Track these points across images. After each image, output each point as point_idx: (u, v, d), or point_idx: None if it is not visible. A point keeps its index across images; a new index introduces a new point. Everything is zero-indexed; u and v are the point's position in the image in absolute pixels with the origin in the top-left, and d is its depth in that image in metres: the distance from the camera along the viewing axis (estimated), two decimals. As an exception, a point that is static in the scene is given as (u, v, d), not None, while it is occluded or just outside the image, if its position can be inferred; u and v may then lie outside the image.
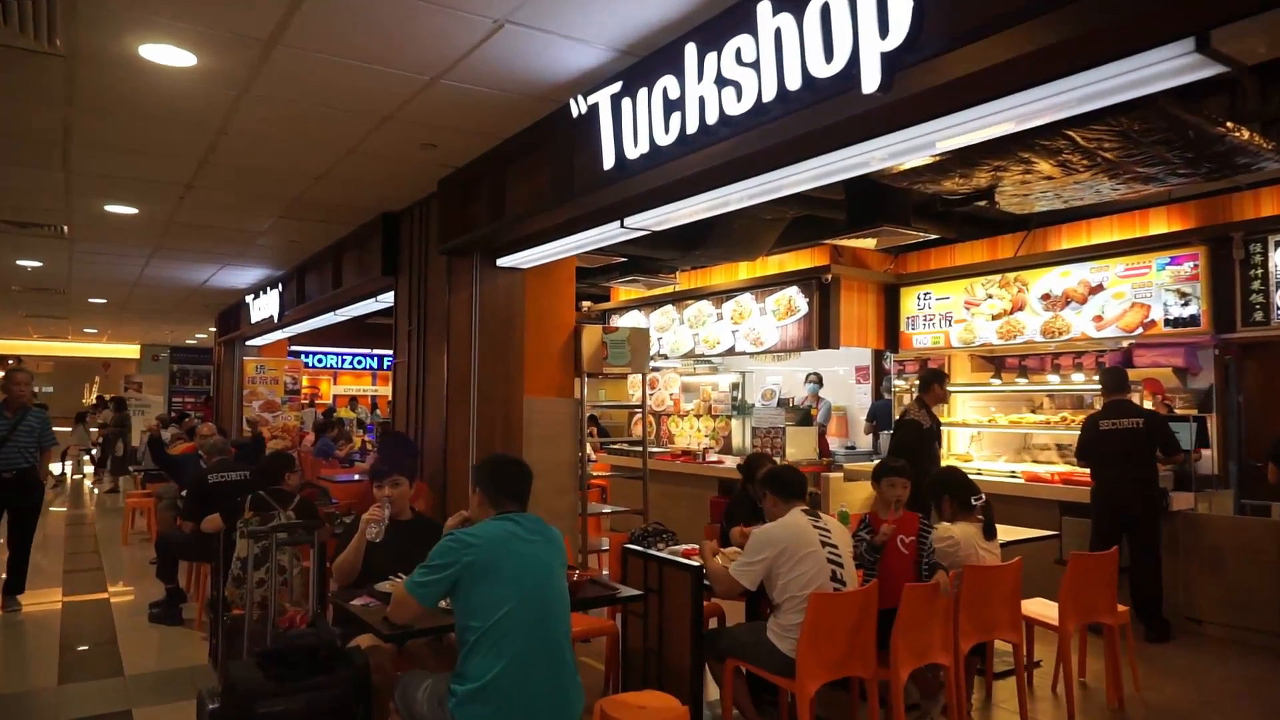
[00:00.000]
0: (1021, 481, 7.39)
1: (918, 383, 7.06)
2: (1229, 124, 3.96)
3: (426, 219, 6.40)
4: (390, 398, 7.89)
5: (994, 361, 9.06)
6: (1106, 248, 6.98)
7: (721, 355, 9.62)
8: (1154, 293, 6.63)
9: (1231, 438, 7.03)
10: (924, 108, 3.01)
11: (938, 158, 4.55)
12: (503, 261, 5.61)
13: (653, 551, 4.37)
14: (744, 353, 9.32)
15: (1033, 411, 8.55)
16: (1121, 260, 6.86)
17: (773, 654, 3.69)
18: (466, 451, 5.73)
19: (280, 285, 11.30)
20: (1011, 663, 4.71)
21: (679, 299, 10.07)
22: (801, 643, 3.56)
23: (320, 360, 19.69)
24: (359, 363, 20.34)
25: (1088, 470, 6.54)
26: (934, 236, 6.82)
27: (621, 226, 4.45)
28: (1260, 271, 6.06)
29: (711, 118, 3.37)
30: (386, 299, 7.75)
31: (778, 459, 8.31)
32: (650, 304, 10.65)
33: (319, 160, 5.96)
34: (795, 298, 8.61)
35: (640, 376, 7.00)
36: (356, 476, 8.12)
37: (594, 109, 4.03)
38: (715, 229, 7.77)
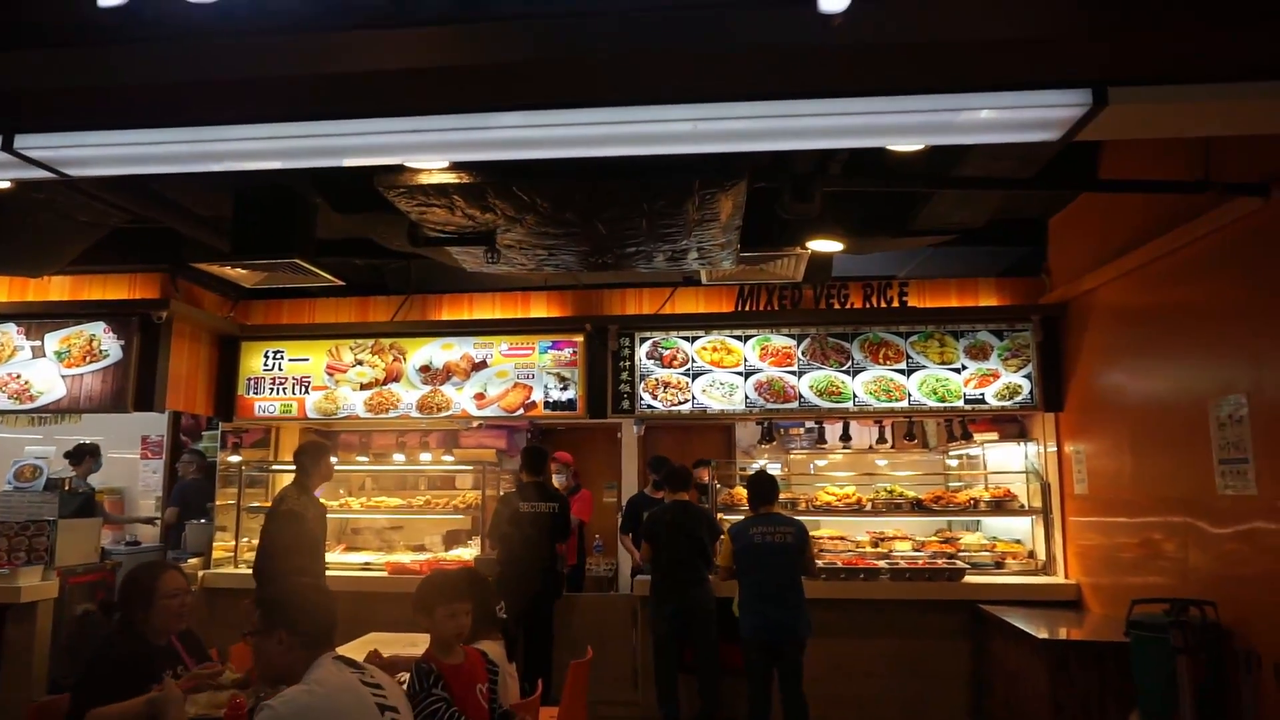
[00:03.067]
0: (385, 575, 6.56)
1: (294, 460, 5.66)
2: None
3: None
4: None
5: (328, 437, 8.06)
6: (492, 325, 6.84)
7: (-54, 411, 6.32)
8: (537, 374, 6.70)
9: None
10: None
11: (470, 177, 3.65)
12: None
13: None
14: (-5, 410, 6.30)
15: (350, 494, 7.84)
16: (506, 339, 6.78)
17: None
18: None
19: None
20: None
21: None
22: None
23: None
24: None
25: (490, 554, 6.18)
26: (339, 283, 5.65)
27: (7, 151, 2.27)
28: (628, 364, 6.63)
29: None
30: None
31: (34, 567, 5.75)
32: None
33: None
34: (103, 338, 6.18)
35: None
36: None
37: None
38: (-7, 218, 5.13)
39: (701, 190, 3.59)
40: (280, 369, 6.97)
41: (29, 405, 6.19)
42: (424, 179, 3.65)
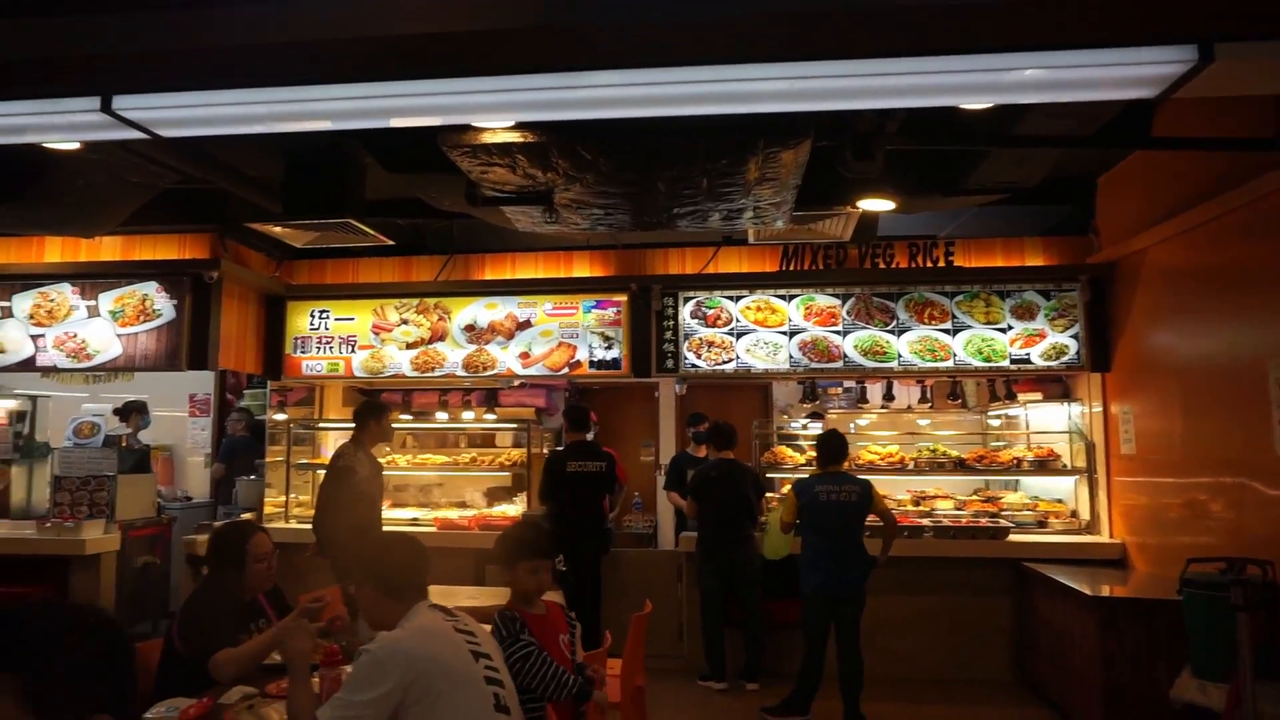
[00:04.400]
0: (434, 530, 6.69)
1: (354, 418, 5.76)
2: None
3: None
4: None
5: (368, 395, 8.17)
6: (537, 284, 6.87)
7: (9, 369, 6.47)
8: (581, 334, 6.74)
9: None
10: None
11: (535, 136, 3.66)
12: None
13: None
14: (53, 368, 6.43)
15: (393, 451, 7.97)
16: (550, 299, 6.82)
17: None
18: None
19: None
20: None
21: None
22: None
23: None
24: None
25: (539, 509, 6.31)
26: (390, 242, 5.70)
27: (105, 111, 2.32)
28: (672, 323, 6.65)
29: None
30: None
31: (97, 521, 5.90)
32: None
33: None
34: (155, 298, 6.28)
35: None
36: None
37: None
38: (50, 177, 5.20)
39: (766, 149, 3.58)
40: (326, 328, 7.06)
41: (87, 364, 6.32)
42: (488, 138, 3.66)
